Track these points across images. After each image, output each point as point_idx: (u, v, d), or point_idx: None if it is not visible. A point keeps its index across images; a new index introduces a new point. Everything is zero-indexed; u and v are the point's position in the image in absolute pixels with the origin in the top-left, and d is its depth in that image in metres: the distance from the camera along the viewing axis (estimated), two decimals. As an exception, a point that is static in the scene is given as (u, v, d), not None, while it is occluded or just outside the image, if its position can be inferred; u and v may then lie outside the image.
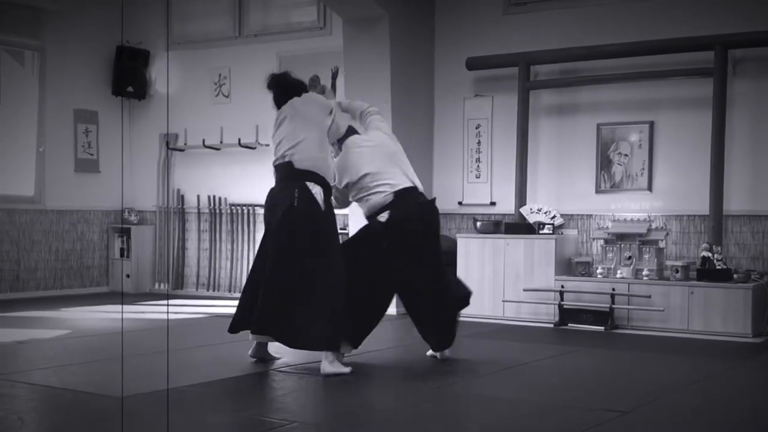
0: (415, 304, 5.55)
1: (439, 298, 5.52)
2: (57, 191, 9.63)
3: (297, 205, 5.08)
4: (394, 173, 5.47)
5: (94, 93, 9.96)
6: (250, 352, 5.40)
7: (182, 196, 9.98)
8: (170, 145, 9.95)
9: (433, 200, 5.73)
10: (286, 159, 5.20)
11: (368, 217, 5.53)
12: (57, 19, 9.61)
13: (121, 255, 10.08)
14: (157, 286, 10.06)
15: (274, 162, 5.30)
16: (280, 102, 5.39)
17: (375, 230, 5.43)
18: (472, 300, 5.61)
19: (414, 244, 5.42)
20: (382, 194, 5.42)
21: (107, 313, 8.05)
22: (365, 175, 5.45)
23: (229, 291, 9.55)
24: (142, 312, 8.22)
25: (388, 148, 5.61)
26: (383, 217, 5.40)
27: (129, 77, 9.98)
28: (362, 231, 5.61)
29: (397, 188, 5.43)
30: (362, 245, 5.48)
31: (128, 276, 9.97)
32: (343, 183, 5.51)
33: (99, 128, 10.02)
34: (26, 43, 9.52)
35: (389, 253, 5.36)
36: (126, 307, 8.53)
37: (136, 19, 10.18)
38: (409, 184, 5.49)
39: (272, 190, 5.32)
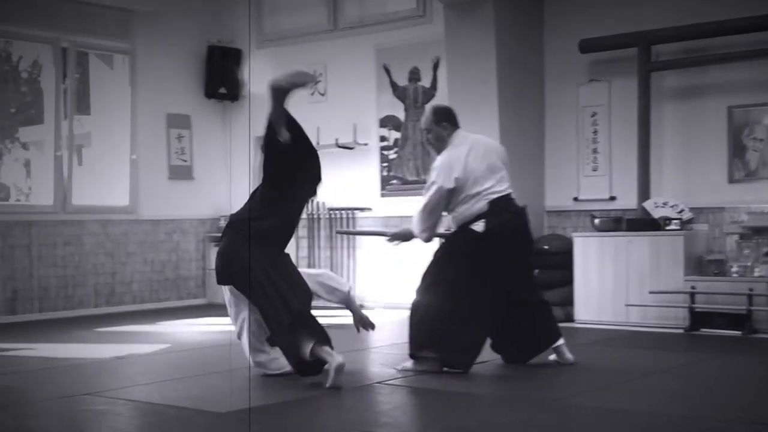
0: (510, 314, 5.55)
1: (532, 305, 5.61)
2: (151, 200, 9.90)
3: None
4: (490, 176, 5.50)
5: (186, 96, 10.22)
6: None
7: (279, 201, 10.13)
8: (265, 147, 10.12)
9: (524, 208, 5.68)
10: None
11: (460, 227, 5.50)
12: (146, 20, 9.87)
13: (218, 264, 10.30)
14: (255, 296, 10.24)
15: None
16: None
17: (470, 241, 5.43)
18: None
19: (512, 254, 5.47)
20: (483, 201, 5.45)
21: (206, 326, 8.27)
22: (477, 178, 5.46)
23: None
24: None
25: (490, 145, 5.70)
26: (478, 226, 5.41)
27: (221, 78, 10.21)
28: (453, 245, 5.57)
29: (493, 196, 5.45)
30: (460, 259, 5.46)
31: (226, 286, 10.18)
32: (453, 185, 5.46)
33: (192, 133, 10.29)
34: (116, 47, 9.80)
35: (489, 264, 5.39)
36: (220, 320, 8.72)
37: (226, 17, 10.43)
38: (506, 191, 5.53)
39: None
